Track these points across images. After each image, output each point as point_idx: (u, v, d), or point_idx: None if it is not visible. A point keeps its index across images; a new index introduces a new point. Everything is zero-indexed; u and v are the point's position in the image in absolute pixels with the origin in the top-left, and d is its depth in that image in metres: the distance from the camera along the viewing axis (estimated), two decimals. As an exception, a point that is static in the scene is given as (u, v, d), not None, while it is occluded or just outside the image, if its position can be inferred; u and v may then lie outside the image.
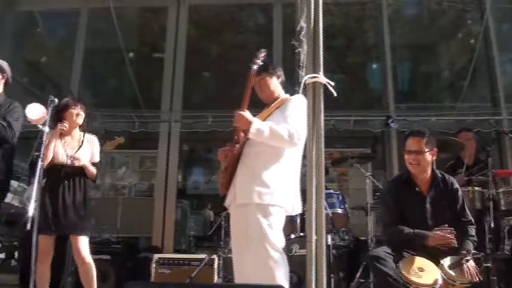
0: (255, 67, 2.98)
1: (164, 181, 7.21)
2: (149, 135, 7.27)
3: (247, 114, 2.88)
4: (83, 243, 3.68)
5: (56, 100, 3.64)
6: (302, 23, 2.51)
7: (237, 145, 3.00)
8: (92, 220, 3.81)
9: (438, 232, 3.11)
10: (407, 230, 3.21)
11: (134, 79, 7.17)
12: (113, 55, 8.23)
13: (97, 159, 3.86)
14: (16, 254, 6.41)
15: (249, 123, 2.84)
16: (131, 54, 7.73)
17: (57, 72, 8.05)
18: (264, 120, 3.00)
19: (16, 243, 6.37)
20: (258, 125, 2.84)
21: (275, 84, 3.19)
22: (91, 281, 3.71)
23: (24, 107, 3.86)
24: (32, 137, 4.14)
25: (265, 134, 2.83)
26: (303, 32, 2.58)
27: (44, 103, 3.71)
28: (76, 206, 3.70)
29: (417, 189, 3.38)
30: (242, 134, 2.99)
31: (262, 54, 3.04)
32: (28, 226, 3.17)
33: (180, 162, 7.56)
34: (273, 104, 3.12)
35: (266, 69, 3.15)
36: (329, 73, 2.31)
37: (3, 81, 3.99)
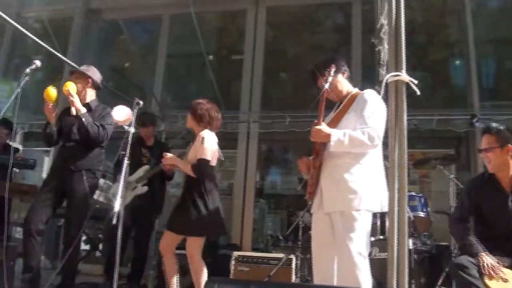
0: (327, 86, 2.89)
1: (243, 180, 7.33)
2: (229, 135, 7.40)
3: (323, 127, 2.83)
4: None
5: (141, 102, 3.83)
6: (383, 20, 2.46)
7: (318, 157, 2.96)
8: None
9: (490, 262, 2.89)
10: (470, 241, 3.06)
11: (215, 81, 7.35)
12: (193, 59, 8.50)
13: (199, 156, 3.82)
14: (100, 246, 6.81)
15: (327, 136, 2.79)
16: (210, 57, 7.93)
17: (140, 76, 8.44)
18: (338, 122, 2.94)
19: (100, 236, 6.77)
20: (336, 136, 2.78)
21: (341, 81, 3.11)
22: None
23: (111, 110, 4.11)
24: (116, 137, 4.38)
25: (345, 144, 2.78)
26: (383, 29, 2.52)
27: (129, 105, 3.92)
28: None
29: (498, 187, 3.18)
30: (320, 145, 2.95)
31: (332, 70, 2.96)
32: (114, 221, 3.35)
33: (258, 162, 7.63)
34: (344, 103, 3.05)
35: (323, 68, 3.05)
36: (410, 70, 2.24)
37: (89, 85, 4.27)
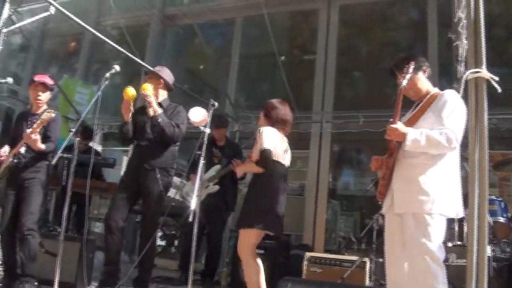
0: (404, 83, 2.79)
1: (315, 181, 7.28)
2: (301, 135, 7.38)
3: (399, 126, 2.73)
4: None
5: (216, 104, 3.91)
6: (460, 14, 2.34)
7: (392, 156, 2.86)
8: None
9: None
10: None
11: (287, 81, 7.35)
12: (266, 59, 8.57)
13: (262, 147, 3.74)
14: (175, 242, 7.04)
15: (403, 135, 2.70)
16: (282, 58, 7.95)
17: (214, 78, 8.63)
18: (417, 121, 2.83)
19: (174, 232, 7.00)
20: (413, 136, 2.68)
21: (421, 79, 2.96)
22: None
23: (187, 111, 4.23)
24: (191, 137, 4.51)
25: (422, 144, 2.66)
26: (461, 24, 2.40)
27: (204, 106, 4.01)
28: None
29: None
30: (395, 144, 2.86)
31: (411, 66, 2.85)
32: (190, 219, 3.44)
33: (331, 162, 7.54)
34: (423, 102, 2.91)
35: (403, 65, 2.91)
36: (489, 66, 2.11)
37: (160, 86, 4.42)
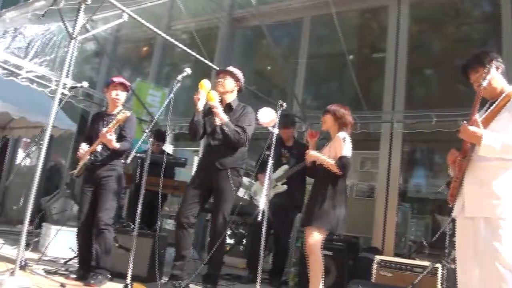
0: (484, 83, 2.65)
1: (385, 182, 7.09)
2: (371, 136, 7.22)
3: (474, 128, 2.61)
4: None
5: (285, 104, 3.93)
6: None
7: (465, 158, 2.74)
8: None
9: None
10: None
11: (356, 80, 7.22)
12: (334, 59, 8.47)
13: (342, 153, 3.88)
14: (244, 241, 7.11)
15: (478, 138, 2.58)
16: (351, 56, 7.82)
17: (282, 78, 8.64)
18: (491, 122, 2.68)
19: (242, 231, 7.07)
20: (488, 140, 2.56)
21: (496, 78, 2.78)
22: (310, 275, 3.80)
23: (255, 112, 4.27)
24: (259, 137, 4.54)
25: (496, 150, 2.55)
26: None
27: (273, 107, 4.04)
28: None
29: None
30: (469, 145, 2.73)
31: (493, 65, 2.69)
32: (259, 218, 3.48)
33: (402, 163, 7.32)
34: (498, 101, 2.75)
35: (481, 62, 2.78)
36: None
37: (236, 88, 4.50)
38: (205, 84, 4.15)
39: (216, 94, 4.27)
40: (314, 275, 3.73)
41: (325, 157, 3.91)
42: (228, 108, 4.39)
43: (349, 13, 8.38)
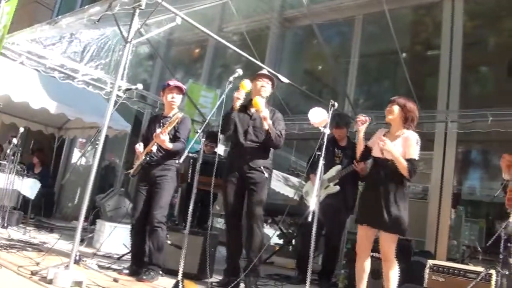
0: None
1: (439, 184, 6.91)
2: (424, 135, 7.01)
3: None
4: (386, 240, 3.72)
5: (336, 104, 3.89)
6: None
7: None
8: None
9: None
10: None
11: (409, 79, 7.06)
12: (386, 57, 8.32)
13: (413, 156, 3.67)
14: (293, 241, 7.09)
15: None
16: (404, 54, 7.65)
17: (333, 78, 8.56)
18: None
19: (291, 231, 7.07)
20: None
21: None
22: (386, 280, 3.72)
23: (307, 112, 4.27)
24: (310, 137, 4.53)
25: None
26: None
27: (324, 107, 4.02)
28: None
29: None
30: None
31: None
32: (309, 219, 3.47)
33: (456, 164, 7.09)
34: None
35: None
36: None
37: (274, 89, 4.57)
38: (246, 84, 4.17)
39: (261, 100, 4.31)
40: (393, 281, 3.65)
41: (399, 155, 3.65)
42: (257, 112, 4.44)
43: (402, 10, 8.20)
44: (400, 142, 3.72)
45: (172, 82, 4.60)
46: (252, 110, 4.45)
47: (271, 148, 4.49)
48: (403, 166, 3.59)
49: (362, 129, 3.93)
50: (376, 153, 3.82)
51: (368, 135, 4.02)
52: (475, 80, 7.76)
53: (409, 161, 3.61)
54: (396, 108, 3.76)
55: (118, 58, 7.48)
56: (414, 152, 3.65)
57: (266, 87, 4.47)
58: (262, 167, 4.35)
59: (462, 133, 6.82)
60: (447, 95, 7.17)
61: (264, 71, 4.66)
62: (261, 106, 4.24)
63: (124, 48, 4.10)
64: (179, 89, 4.57)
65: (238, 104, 4.28)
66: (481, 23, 7.72)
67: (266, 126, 4.29)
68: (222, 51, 10.34)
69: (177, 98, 4.57)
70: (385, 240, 3.68)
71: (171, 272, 4.24)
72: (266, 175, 4.37)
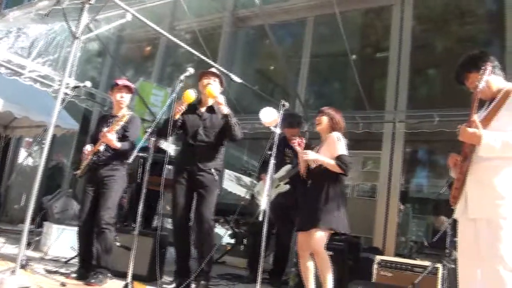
0: (481, 85, 2.63)
1: (387, 182, 7.11)
2: (373, 135, 7.22)
3: (473, 129, 2.59)
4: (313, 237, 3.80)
5: (287, 104, 3.94)
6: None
7: (466, 160, 2.74)
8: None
9: None
10: None
11: (358, 80, 7.22)
12: (337, 58, 8.48)
13: (339, 152, 3.85)
14: (245, 241, 7.12)
15: (478, 138, 2.58)
16: (354, 56, 7.82)
17: (285, 78, 8.65)
18: (490, 121, 2.67)
19: (242, 230, 7.08)
20: (487, 139, 2.55)
21: (491, 78, 2.75)
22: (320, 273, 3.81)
23: (258, 111, 4.28)
24: (261, 137, 4.55)
25: (497, 149, 2.53)
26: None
27: (275, 107, 4.05)
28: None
29: None
30: (470, 147, 2.73)
31: (487, 69, 2.68)
32: (260, 218, 3.49)
33: (404, 163, 7.32)
34: (497, 100, 2.72)
35: (475, 65, 2.77)
36: None
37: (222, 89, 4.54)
38: (190, 95, 4.10)
39: (216, 88, 4.32)
40: (326, 274, 3.74)
41: (325, 158, 3.87)
42: (209, 110, 4.44)
43: (353, 12, 8.39)
44: (325, 145, 3.97)
45: (121, 81, 4.50)
46: (202, 109, 4.42)
47: (223, 149, 4.47)
48: (332, 165, 3.81)
49: (299, 150, 4.06)
50: (312, 164, 4.04)
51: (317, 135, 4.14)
52: (422, 82, 8.02)
53: (337, 158, 3.81)
54: (325, 119, 4.02)
55: (66, 54, 7.26)
56: (339, 148, 3.85)
57: (212, 85, 4.43)
58: (212, 169, 4.30)
59: (409, 133, 7.04)
60: (395, 96, 7.38)
61: (212, 69, 4.61)
62: (214, 92, 4.22)
63: (72, 44, 4.00)
64: (128, 89, 4.49)
65: (178, 116, 4.24)
66: (429, 27, 7.99)
67: (225, 110, 4.25)
68: (173, 50, 10.23)
69: (126, 98, 4.49)
70: (314, 235, 3.76)
71: (120, 275, 4.14)
72: (217, 177, 4.33)
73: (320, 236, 3.75)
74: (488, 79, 2.71)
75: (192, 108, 4.38)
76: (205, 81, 4.43)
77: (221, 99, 4.25)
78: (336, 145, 3.87)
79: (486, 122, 2.68)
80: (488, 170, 2.64)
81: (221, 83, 4.52)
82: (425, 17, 7.97)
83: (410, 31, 7.61)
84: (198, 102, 4.42)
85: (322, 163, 3.87)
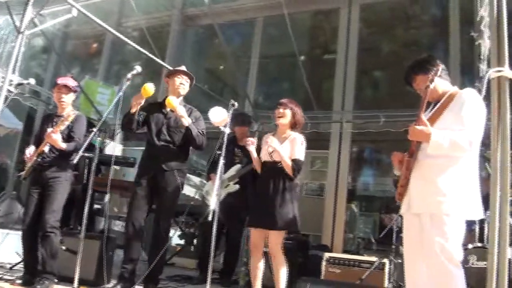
0: (432, 85, 2.73)
1: (334, 181, 7.25)
2: (321, 135, 7.34)
3: (422, 127, 2.69)
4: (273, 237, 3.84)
5: (236, 104, 3.93)
6: (483, 12, 2.30)
7: (412, 158, 2.83)
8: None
9: None
10: None
11: (307, 81, 7.32)
12: (286, 59, 8.56)
13: (297, 156, 3.88)
14: (194, 241, 7.06)
15: (427, 136, 2.67)
16: (302, 57, 7.93)
17: (234, 78, 8.66)
18: (435, 121, 2.78)
19: (193, 231, 7.02)
20: (436, 137, 2.64)
21: (437, 81, 2.85)
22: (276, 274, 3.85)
23: (207, 111, 4.26)
24: (211, 137, 4.53)
25: (445, 147, 2.63)
26: (483, 22, 2.37)
27: (224, 106, 4.03)
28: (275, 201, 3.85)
29: None
30: (416, 145, 2.82)
31: (439, 71, 2.80)
32: (210, 218, 3.47)
33: (351, 163, 7.49)
34: (442, 101, 2.85)
35: (423, 68, 2.90)
36: (510, 65, 2.06)
37: (191, 86, 4.47)
38: (149, 88, 3.96)
39: (174, 99, 4.17)
40: (281, 273, 3.80)
41: (285, 154, 3.86)
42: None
43: (301, 14, 8.49)
44: (288, 143, 3.95)
45: (61, 80, 4.30)
46: (168, 108, 4.29)
47: (190, 150, 4.39)
48: (288, 165, 3.83)
49: (252, 149, 4.07)
50: (264, 157, 4.01)
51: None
52: (369, 84, 8.23)
53: (294, 161, 3.85)
54: (289, 113, 3.99)
55: (10, 49, 6.95)
56: (299, 152, 3.90)
57: (185, 85, 4.35)
58: (175, 171, 4.21)
59: (356, 133, 7.21)
60: (342, 97, 7.53)
61: (184, 68, 4.53)
62: (174, 104, 4.11)
63: (16, 39, 3.86)
64: (68, 88, 4.31)
65: (134, 109, 4.11)
66: (375, 31, 8.21)
67: (185, 123, 4.17)
68: (121, 47, 9.97)
69: (67, 98, 4.29)
70: (274, 237, 3.82)
71: (67, 279, 3.99)
72: (179, 180, 4.23)
73: (278, 238, 3.81)
74: (435, 82, 2.82)
75: (158, 106, 4.26)
76: (177, 80, 4.34)
77: (182, 111, 4.17)
78: (298, 148, 3.89)
79: (431, 122, 2.78)
80: (432, 167, 2.74)
81: (191, 84, 4.44)
82: (372, 20, 8.18)
83: (357, 34, 7.79)
84: (164, 100, 4.29)
85: (280, 157, 3.84)
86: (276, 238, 3.81)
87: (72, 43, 11.07)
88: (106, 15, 7.13)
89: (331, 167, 7.39)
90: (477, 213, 2.68)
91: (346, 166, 7.32)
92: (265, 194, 3.89)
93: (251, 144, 4.05)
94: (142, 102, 4.10)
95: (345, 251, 6.58)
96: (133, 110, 4.12)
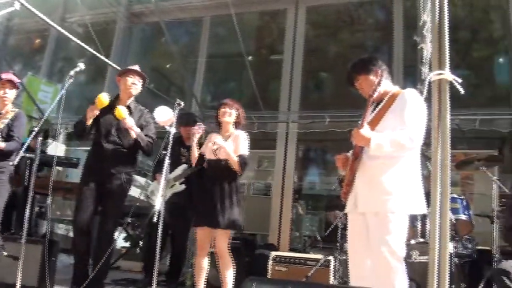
0: (375, 94, 2.80)
1: (281, 180, 7.31)
2: (267, 135, 7.40)
3: (364, 131, 2.75)
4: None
5: (182, 103, 3.88)
6: (425, 17, 2.39)
7: (357, 159, 2.91)
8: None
9: None
10: None
11: (254, 81, 7.35)
12: (233, 59, 8.55)
13: (242, 152, 3.96)
14: (140, 243, 6.93)
15: (368, 140, 2.73)
16: (250, 57, 7.95)
17: (181, 77, 8.57)
18: (379, 122, 2.87)
19: (138, 233, 6.88)
20: (377, 140, 2.72)
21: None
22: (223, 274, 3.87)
23: (152, 110, 4.18)
24: (157, 137, 4.46)
25: (386, 148, 2.72)
26: (426, 27, 2.46)
27: (170, 106, 3.98)
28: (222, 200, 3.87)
29: None
30: (360, 147, 2.89)
31: (385, 72, 2.88)
32: (155, 219, 3.42)
33: (297, 162, 7.59)
34: (384, 102, 2.95)
35: (365, 68, 3.01)
36: (452, 68, 2.15)
37: (144, 85, 4.37)
38: (103, 99, 3.91)
39: (125, 110, 4.05)
40: (227, 273, 3.85)
41: (231, 150, 3.90)
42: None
43: (249, 14, 8.51)
44: (231, 140, 4.02)
45: (5, 75, 4.17)
46: (132, 133, 4.14)
47: (138, 153, 4.31)
48: (234, 161, 3.88)
49: (195, 138, 4.11)
50: (209, 155, 4.04)
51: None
52: (314, 85, 8.37)
53: (240, 156, 3.92)
54: (234, 113, 4.09)
55: None
56: (244, 148, 3.99)
57: (137, 85, 4.24)
58: (123, 174, 4.11)
59: (302, 132, 7.32)
60: (288, 97, 7.62)
61: (137, 67, 4.40)
62: (123, 114, 4.00)
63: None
64: (12, 84, 4.15)
65: (90, 122, 4.02)
66: (322, 33, 8.37)
67: (133, 135, 4.07)
68: (64, 43, 9.59)
69: (10, 94, 4.15)
70: (220, 237, 3.86)
71: (9, 286, 3.81)
72: (126, 184, 4.15)
73: (225, 238, 3.85)
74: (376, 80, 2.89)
75: (107, 106, 4.11)
76: (129, 79, 4.21)
77: (130, 122, 4.06)
78: (242, 144, 3.98)
79: (374, 123, 2.87)
80: (376, 168, 2.82)
81: (143, 84, 4.34)
82: (318, 23, 8.33)
83: (303, 35, 7.90)
84: (115, 100, 4.19)
85: (227, 154, 3.88)
86: (223, 238, 3.84)
87: (14, 37, 10.54)
88: (50, 10, 6.85)
89: (277, 166, 7.45)
90: (421, 208, 2.80)
91: (292, 165, 7.41)
92: (210, 193, 3.92)
93: (197, 133, 4.09)
94: (97, 113, 4.01)
95: (291, 250, 6.67)
96: (88, 122, 4.03)
